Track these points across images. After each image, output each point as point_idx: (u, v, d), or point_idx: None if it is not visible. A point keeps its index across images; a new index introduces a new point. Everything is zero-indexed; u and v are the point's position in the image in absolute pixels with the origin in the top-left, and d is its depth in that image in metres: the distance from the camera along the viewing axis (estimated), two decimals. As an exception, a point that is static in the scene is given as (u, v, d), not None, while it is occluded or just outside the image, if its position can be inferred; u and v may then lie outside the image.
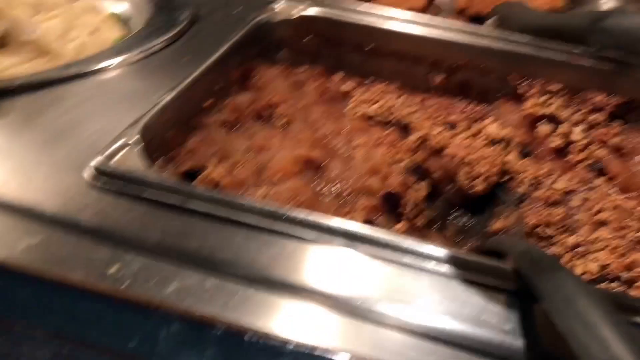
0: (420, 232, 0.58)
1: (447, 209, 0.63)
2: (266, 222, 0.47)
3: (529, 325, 0.42)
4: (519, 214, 0.60)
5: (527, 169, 0.64)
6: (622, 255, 0.53)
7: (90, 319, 0.41)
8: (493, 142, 0.68)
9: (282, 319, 0.41)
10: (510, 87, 0.77)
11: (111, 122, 0.56)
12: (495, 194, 0.63)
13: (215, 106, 0.68)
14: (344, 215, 0.54)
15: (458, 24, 0.82)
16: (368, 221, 0.54)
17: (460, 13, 1.05)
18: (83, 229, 0.46)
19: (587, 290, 0.37)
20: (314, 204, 0.55)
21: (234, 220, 0.47)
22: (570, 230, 0.58)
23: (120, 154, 0.52)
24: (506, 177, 0.64)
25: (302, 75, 0.81)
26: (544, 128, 0.71)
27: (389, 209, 0.57)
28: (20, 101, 0.60)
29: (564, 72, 0.74)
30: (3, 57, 0.67)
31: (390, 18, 0.79)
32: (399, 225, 0.55)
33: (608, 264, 0.53)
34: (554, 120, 0.72)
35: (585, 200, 0.61)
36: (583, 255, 0.55)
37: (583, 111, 0.72)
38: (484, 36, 0.77)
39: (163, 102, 0.59)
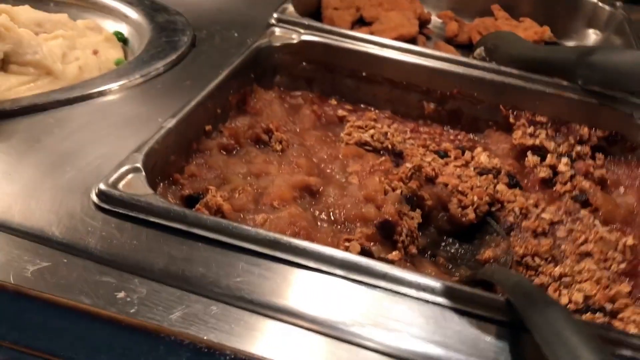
0: (413, 259, 0.60)
1: (439, 236, 0.65)
2: (268, 250, 0.49)
3: (520, 355, 0.44)
4: (508, 243, 0.63)
5: (516, 199, 0.67)
6: (606, 286, 0.55)
7: (100, 344, 0.42)
8: (483, 171, 0.70)
9: (287, 346, 0.42)
10: (499, 117, 0.80)
11: (115, 146, 0.58)
12: (485, 223, 0.65)
13: (215, 130, 0.69)
14: (342, 242, 0.56)
15: (450, 54, 0.85)
16: (364, 249, 0.56)
17: (450, 40, 1.08)
18: (91, 254, 0.47)
19: (576, 326, 0.39)
20: (312, 231, 0.57)
21: (237, 246, 0.49)
22: (556, 260, 0.60)
23: (126, 179, 0.53)
24: (496, 206, 0.67)
25: (298, 100, 0.83)
26: (532, 159, 0.74)
27: (384, 236, 0.59)
28: (24, 123, 0.61)
29: (551, 104, 0.77)
30: (7, 77, 0.68)
31: (386, 46, 0.82)
32: (394, 253, 0.57)
33: (592, 295, 0.55)
34: (541, 150, 0.75)
35: (571, 231, 0.63)
36: (568, 285, 0.57)
37: (569, 143, 0.75)
38: (476, 67, 0.80)
39: (166, 127, 0.60)
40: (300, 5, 0.91)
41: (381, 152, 0.73)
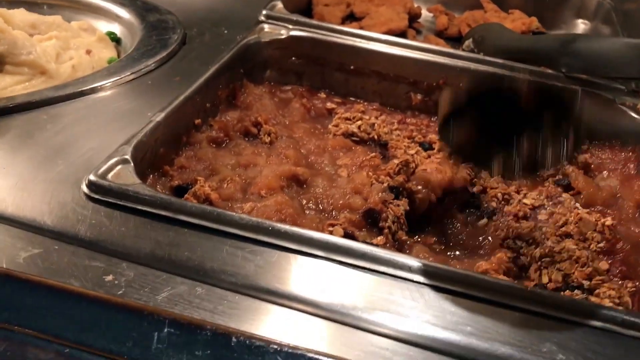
0: (400, 244, 0.61)
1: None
2: (251, 234, 0.51)
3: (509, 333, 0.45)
4: (490, 226, 0.64)
5: (498, 185, 0.68)
6: (584, 264, 0.57)
7: (89, 324, 0.44)
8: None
9: (268, 323, 0.44)
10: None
11: (105, 140, 0.60)
12: (469, 209, 0.67)
13: (205, 124, 0.71)
14: (326, 227, 0.58)
15: (437, 45, 0.87)
16: (347, 232, 0.57)
17: (440, 33, 1.09)
18: (81, 241, 0.49)
19: None
20: (298, 218, 0.59)
21: (221, 231, 0.51)
22: (537, 241, 0.61)
23: (115, 170, 0.55)
24: (479, 192, 0.68)
25: (288, 94, 0.84)
26: (515, 145, 0.75)
27: (371, 223, 0.60)
28: (18, 120, 0.63)
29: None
30: (2, 77, 0.70)
31: (373, 39, 0.84)
32: (378, 238, 0.58)
33: (571, 273, 0.57)
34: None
35: (552, 214, 0.65)
36: (548, 265, 0.58)
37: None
38: (460, 57, 0.82)
39: (155, 121, 0.62)
40: (290, 2, 0.93)
41: (367, 142, 0.75)
